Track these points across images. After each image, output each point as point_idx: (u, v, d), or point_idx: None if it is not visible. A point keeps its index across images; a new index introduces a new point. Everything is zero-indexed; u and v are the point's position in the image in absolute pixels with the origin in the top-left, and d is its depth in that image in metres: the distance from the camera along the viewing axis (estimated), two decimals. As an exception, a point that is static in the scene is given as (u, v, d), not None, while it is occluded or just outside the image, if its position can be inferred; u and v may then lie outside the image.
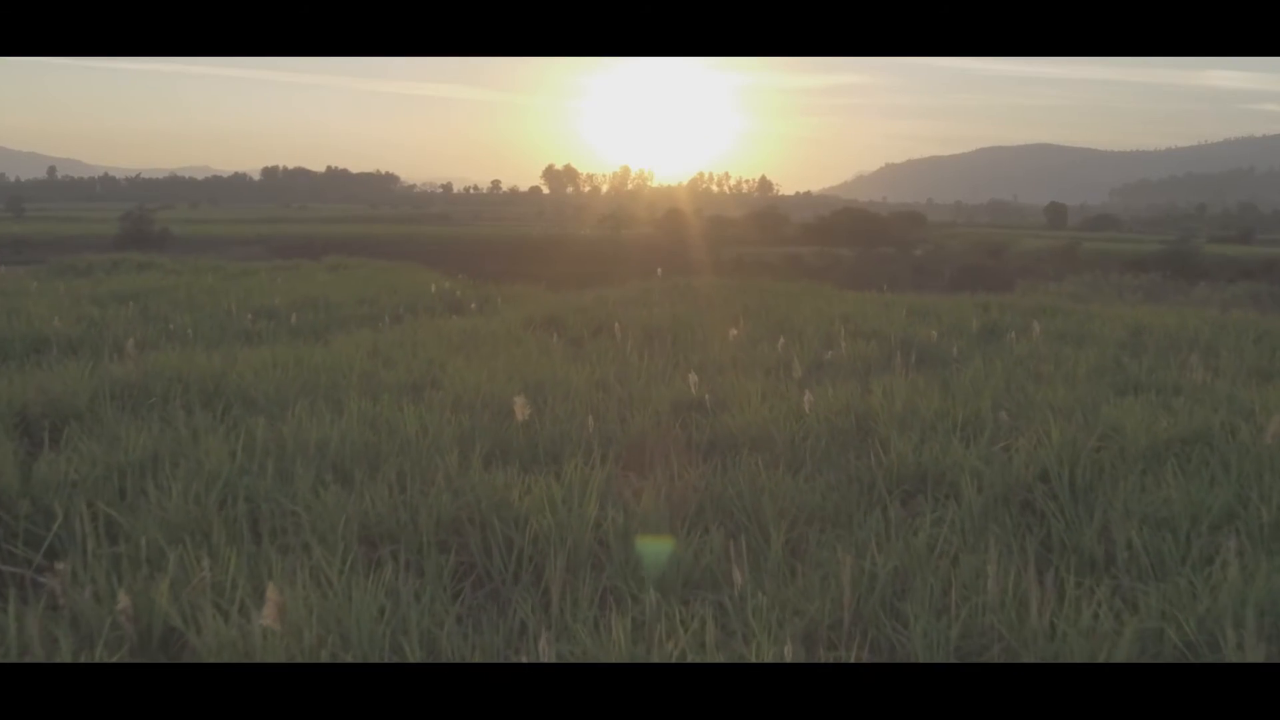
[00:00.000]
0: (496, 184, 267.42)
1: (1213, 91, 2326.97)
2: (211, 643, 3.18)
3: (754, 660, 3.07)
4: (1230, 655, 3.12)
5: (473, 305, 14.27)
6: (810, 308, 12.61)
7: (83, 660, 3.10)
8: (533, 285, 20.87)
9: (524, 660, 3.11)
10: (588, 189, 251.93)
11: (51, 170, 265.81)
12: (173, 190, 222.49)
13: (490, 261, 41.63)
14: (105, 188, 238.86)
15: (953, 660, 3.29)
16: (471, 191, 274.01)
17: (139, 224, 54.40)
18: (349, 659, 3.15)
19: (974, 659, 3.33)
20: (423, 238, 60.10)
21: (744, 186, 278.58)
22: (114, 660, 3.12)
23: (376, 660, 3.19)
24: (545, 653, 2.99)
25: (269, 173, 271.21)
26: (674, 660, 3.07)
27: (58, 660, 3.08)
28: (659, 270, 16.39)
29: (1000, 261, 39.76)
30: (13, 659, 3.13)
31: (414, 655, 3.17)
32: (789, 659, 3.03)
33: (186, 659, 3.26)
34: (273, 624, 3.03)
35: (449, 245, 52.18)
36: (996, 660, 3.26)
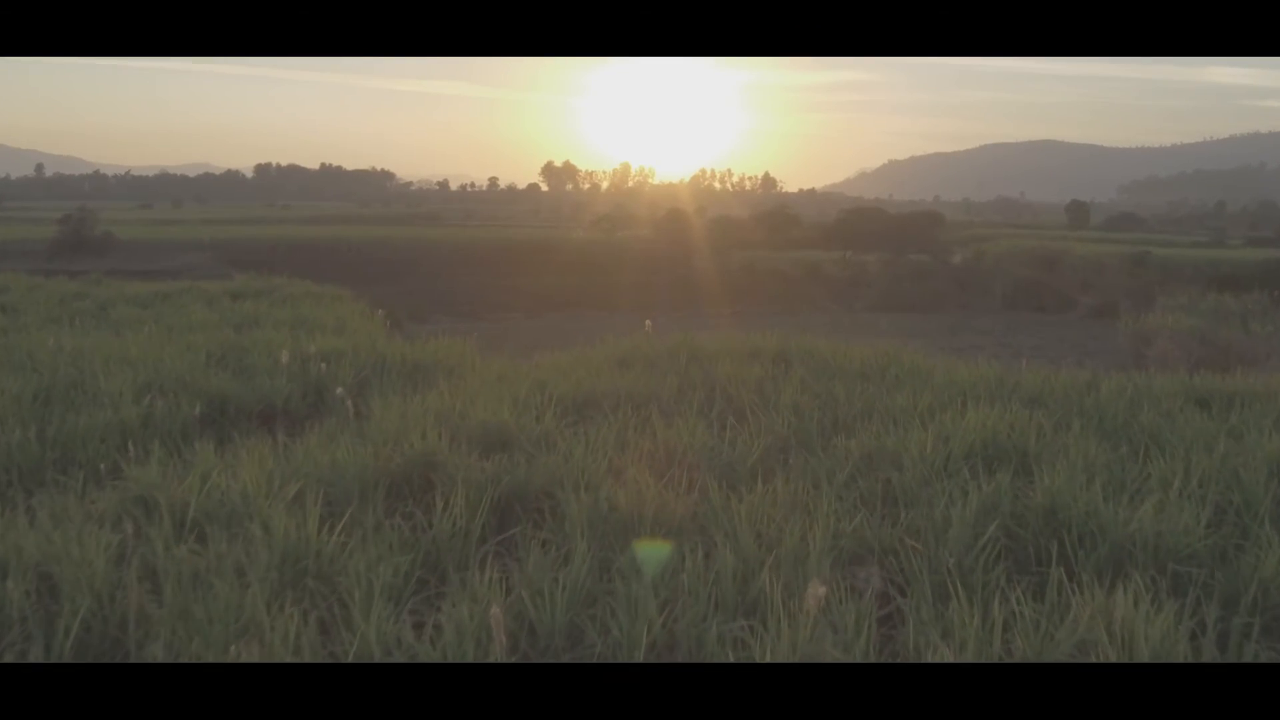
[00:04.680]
0: (494, 181, 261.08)
1: (1216, 88, 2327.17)
2: None
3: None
4: None
5: (339, 391, 8.54)
6: (920, 417, 6.91)
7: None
8: (480, 323, 15.23)
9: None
10: (587, 186, 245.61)
11: (39, 168, 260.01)
12: (163, 187, 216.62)
13: (458, 276, 35.97)
14: (94, 185, 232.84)
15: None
16: (469, 189, 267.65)
17: (78, 228, 48.97)
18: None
19: None
20: (396, 242, 54.18)
21: (747, 184, 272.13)
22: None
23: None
24: None
25: (262, 169, 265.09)
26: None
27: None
28: (648, 323, 10.65)
29: (1055, 275, 34.01)
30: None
31: None
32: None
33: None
34: None
35: (421, 252, 46.38)
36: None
